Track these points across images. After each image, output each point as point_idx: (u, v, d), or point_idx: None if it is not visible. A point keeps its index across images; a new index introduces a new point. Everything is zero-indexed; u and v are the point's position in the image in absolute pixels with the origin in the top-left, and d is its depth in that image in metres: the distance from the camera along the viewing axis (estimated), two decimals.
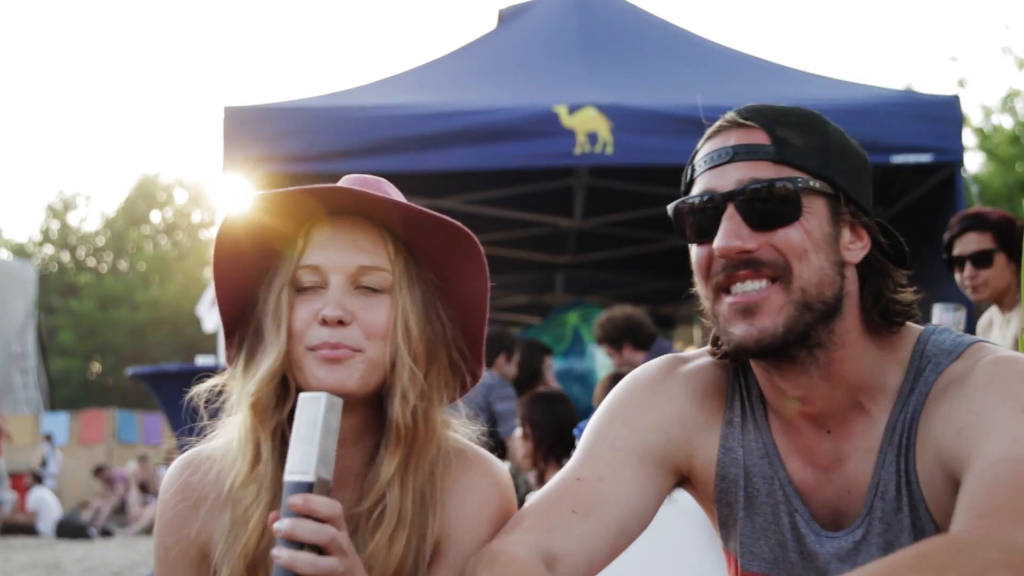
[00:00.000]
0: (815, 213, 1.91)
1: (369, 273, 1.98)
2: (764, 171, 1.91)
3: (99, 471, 23.08)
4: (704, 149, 2.01)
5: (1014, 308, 5.22)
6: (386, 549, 1.96)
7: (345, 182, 2.05)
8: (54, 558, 14.39)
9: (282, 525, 1.67)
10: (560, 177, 10.46)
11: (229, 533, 2.00)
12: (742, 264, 1.91)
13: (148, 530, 19.89)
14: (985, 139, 27.28)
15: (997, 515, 1.57)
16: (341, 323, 1.94)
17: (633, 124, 7.71)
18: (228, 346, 2.11)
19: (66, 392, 46.46)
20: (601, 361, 11.42)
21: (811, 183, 1.90)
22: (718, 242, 1.91)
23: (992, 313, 5.43)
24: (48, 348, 39.84)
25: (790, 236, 1.89)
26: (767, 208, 1.89)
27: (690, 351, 2.27)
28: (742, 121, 1.96)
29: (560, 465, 5.91)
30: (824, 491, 2.01)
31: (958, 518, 1.64)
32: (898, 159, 7.68)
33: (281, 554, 1.66)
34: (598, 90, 8.16)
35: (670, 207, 2.02)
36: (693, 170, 2.02)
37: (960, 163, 7.97)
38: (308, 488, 1.69)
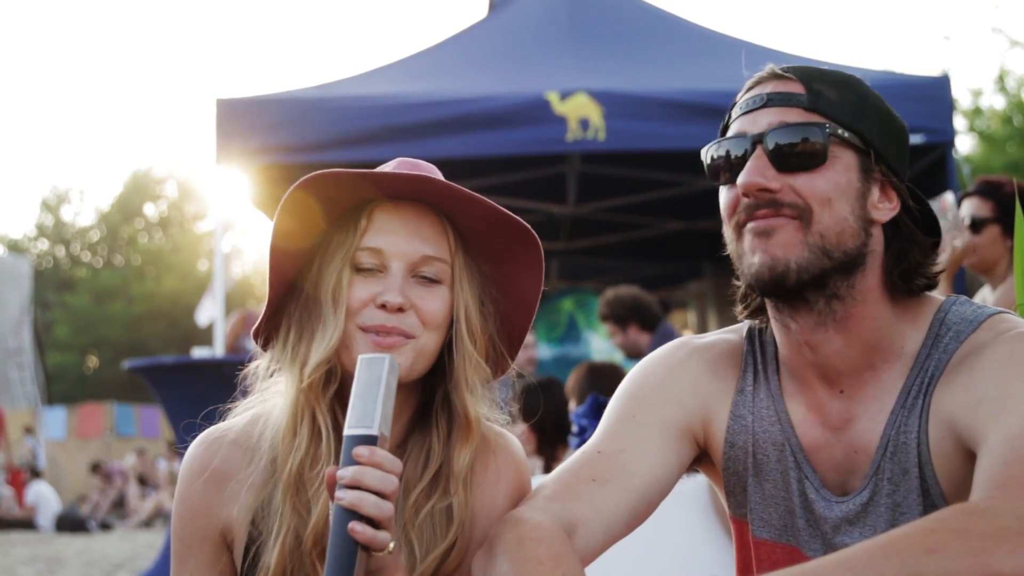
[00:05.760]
0: (844, 164, 1.95)
1: (430, 263, 1.99)
2: (795, 116, 1.96)
3: (96, 467, 23.07)
4: (741, 100, 2.05)
5: (1005, 281, 5.19)
6: (448, 543, 2.00)
7: (399, 165, 2.06)
8: (54, 552, 14.40)
9: (346, 472, 1.67)
10: (553, 164, 10.46)
11: (282, 513, 1.99)
12: (763, 204, 1.94)
13: (148, 523, 19.91)
14: (975, 120, 27.28)
15: (1014, 486, 1.60)
16: (400, 310, 1.95)
17: (625, 110, 7.72)
18: (266, 319, 2.09)
19: (63, 386, 46.37)
20: (596, 347, 11.45)
21: (840, 132, 1.94)
22: (742, 178, 1.95)
23: (984, 292, 5.42)
24: (44, 343, 39.80)
25: (814, 182, 1.93)
26: (793, 151, 1.93)
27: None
28: (780, 73, 2.02)
29: (567, 445, 5.92)
30: (833, 452, 2.03)
31: (976, 489, 1.67)
32: None
33: (346, 496, 1.66)
34: (589, 76, 8.17)
35: (703, 150, 2.06)
36: (729, 117, 2.07)
37: (951, 143, 7.98)
38: (372, 441, 1.70)
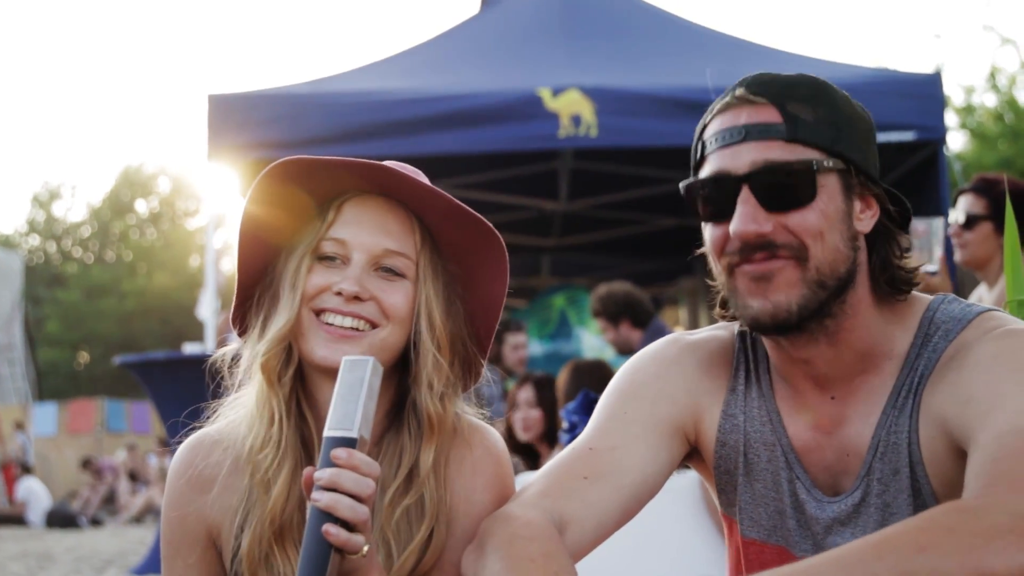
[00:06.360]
0: (829, 191, 1.92)
1: (393, 257, 2.00)
2: (777, 151, 1.90)
3: (86, 463, 23.03)
4: (714, 126, 1.99)
5: (1000, 279, 5.20)
6: (420, 537, 1.99)
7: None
8: (44, 548, 14.35)
9: (323, 474, 1.68)
10: (545, 160, 10.45)
11: (248, 499, 2.02)
12: (758, 247, 1.92)
13: (138, 519, 19.88)
14: (967, 117, 27.33)
15: (1005, 483, 1.60)
16: (357, 299, 1.96)
17: (617, 106, 7.72)
18: (237, 306, 2.12)
19: (54, 382, 46.28)
20: (588, 343, 11.43)
21: (825, 162, 1.91)
22: (735, 226, 1.91)
23: (981, 291, 5.42)
24: (35, 338, 39.73)
25: (806, 218, 1.90)
26: (783, 190, 1.90)
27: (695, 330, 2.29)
28: (752, 98, 1.94)
29: (557, 442, 5.93)
30: (824, 454, 2.03)
31: (967, 487, 1.67)
32: (881, 137, 7.62)
33: (322, 497, 1.67)
34: (581, 72, 8.16)
35: (682, 185, 2.03)
36: (703, 147, 2.01)
37: (943, 141, 7.99)
38: (351, 444, 1.71)
